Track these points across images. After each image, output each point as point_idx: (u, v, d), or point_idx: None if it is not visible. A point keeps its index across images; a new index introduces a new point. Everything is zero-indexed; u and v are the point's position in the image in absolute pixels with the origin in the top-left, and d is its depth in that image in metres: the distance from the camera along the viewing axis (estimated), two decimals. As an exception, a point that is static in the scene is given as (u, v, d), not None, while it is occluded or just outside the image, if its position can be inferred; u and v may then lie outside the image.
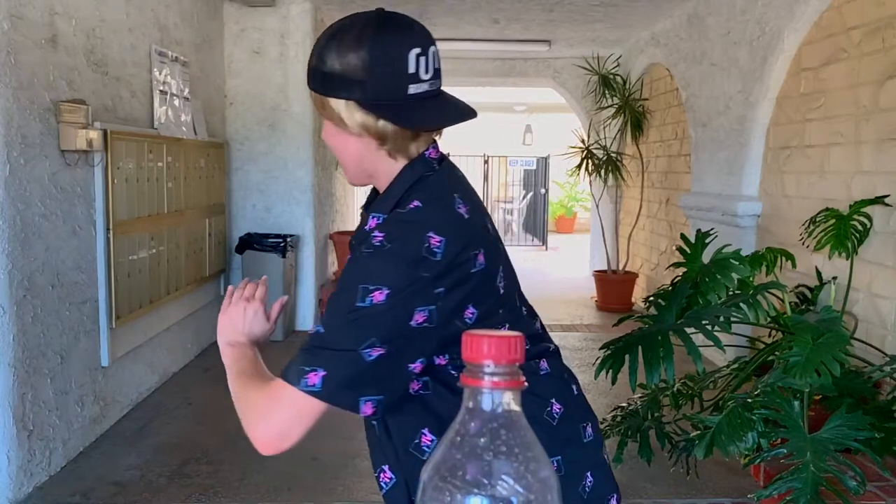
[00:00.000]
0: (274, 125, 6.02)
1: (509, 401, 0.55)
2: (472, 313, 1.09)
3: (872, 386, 2.46)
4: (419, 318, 1.05)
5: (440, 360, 1.12)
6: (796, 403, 2.07)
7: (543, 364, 1.22)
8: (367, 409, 1.05)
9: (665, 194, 6.73)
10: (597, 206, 8.12)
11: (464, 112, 1.14)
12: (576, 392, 1.26)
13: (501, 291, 1.15)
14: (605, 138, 7.64)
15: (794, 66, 4.32)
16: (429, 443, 1.12)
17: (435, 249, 1.05)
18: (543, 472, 0.54)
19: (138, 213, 4.10)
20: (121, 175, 3.86)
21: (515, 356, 0.55)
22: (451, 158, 1.25)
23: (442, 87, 1.14)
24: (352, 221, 8.22)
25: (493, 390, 0.55)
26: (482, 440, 0.54)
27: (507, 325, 1.16)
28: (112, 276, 3.77)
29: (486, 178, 14.39)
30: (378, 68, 1.08)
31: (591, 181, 7.86)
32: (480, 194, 1.28)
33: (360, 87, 1.09)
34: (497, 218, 13.97)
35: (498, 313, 1.14)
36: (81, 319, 3.55)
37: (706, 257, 2.44)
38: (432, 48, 1.12)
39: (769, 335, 3.17)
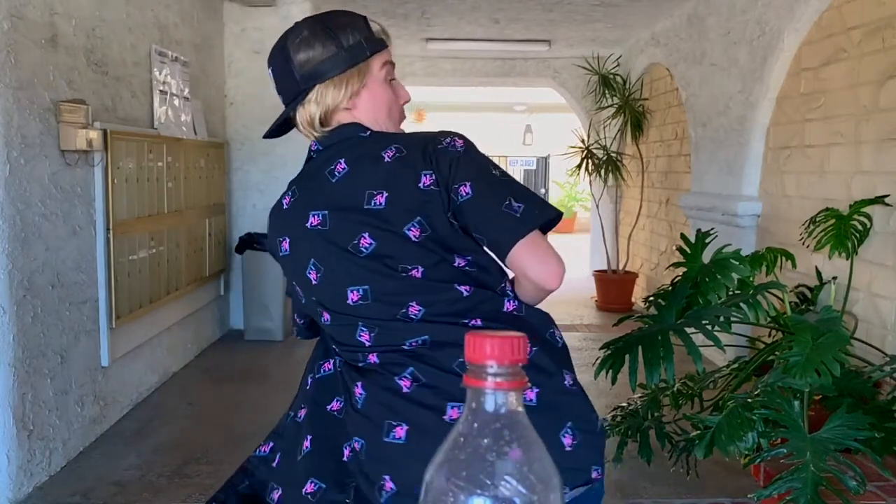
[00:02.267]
0: (274, 125, 6.02)
1: (512, 401, 0.55)
2: (299, 290, 1.34)
3: (872, 386, 2.46)
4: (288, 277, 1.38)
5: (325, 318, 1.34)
6: (796, 403, 2.07)
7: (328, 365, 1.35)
8: (295, 322, 1.47)
9: (665, 194, 6.73)
10: (597, 206, 8.12)
11: (270, 132, 1.42)
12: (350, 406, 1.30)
13: (313, 283, 1.29)
14: (605, 138, 7.63)
15: (794, 66, 4.32)
16: (328, 368, 1.34)
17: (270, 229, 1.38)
18: (546, 473, 0.54)
19: (138, 213, 4.10)
20: (121, 175, 3.86)
21: (518, 357, 0.55)
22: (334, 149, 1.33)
23: (288, 106, 1.37)
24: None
25: (496, 391, 0.55)
26: (485, 441, 0.54)
27: (328, 320, 1.29)
28: (112, 276, 3.76)
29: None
30: None
31: (591, 181, 7.85)
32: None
33: None
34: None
35: (311, 300, 1.31)
36: (81, 319, 3.55)
37: (706, 257, 2.44)
38: (267, 72, 1.42)
39: (769, 335, 3.17)
